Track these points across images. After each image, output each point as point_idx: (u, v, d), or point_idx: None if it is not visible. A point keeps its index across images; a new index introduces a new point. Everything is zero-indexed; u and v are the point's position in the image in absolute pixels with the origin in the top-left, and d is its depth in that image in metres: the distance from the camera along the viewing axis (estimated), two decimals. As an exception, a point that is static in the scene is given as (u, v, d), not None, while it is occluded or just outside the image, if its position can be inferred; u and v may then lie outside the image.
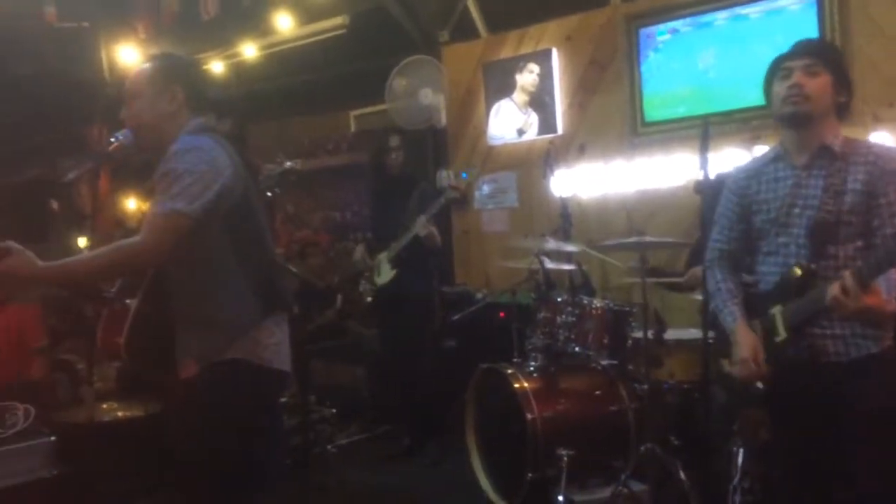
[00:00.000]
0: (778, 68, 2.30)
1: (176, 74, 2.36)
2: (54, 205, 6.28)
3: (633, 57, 4.72)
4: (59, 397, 4.79)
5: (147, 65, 2.39)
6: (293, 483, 4.08)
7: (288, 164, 3.45)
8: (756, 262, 2.44)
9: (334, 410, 4.84)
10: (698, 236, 3.23)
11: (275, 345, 2.32)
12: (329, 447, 4.65)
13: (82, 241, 7.32)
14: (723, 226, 2.51)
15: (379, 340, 5.02)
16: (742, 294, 2.45)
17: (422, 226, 4.30)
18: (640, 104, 4.73)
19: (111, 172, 7.19)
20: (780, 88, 2.27)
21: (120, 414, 4.11)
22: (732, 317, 2.40)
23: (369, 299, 4.69)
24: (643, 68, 4.71)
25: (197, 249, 2.19)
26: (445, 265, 5.40)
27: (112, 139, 2.31)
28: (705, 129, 2.60)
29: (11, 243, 2.05)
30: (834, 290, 2.06)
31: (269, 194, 3.32)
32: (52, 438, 3.58)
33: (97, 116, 7.06)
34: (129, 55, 6.36)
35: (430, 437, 4.53)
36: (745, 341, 2.32)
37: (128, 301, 2.41)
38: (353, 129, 7.13)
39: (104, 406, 4.18)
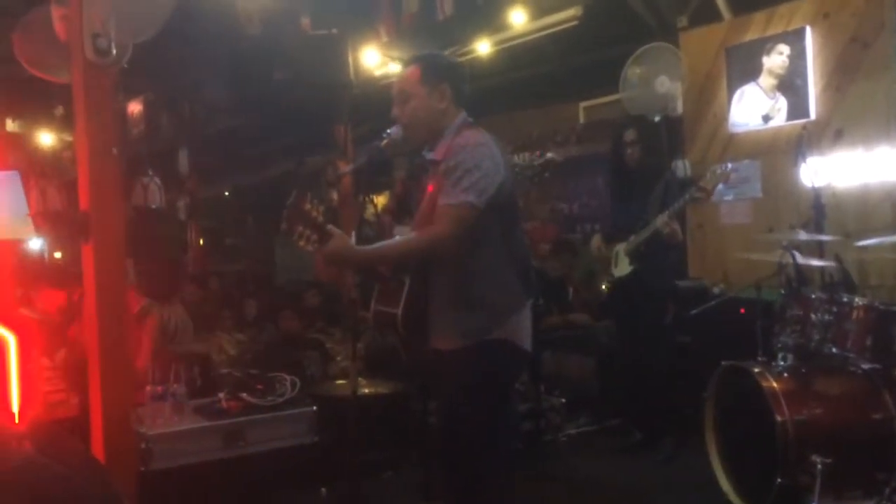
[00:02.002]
0: None
1: (443, 73, 2.53)
2: (334, 195, 6.89)
3: (903, 31, 4.28)
4: (312, 374, 5.27)
5: (414, 66, 2.55)
6: (524, 468, 4.18)
7: (549, 154, 3.52)
8: None
9: (563, 400, 4.88)
10: None
11: (527, 327, 2.53)
12: (559, 436, 4.71)
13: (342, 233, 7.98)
14: None
15: (612, 333, 4.98)
16: None
17: (663, 223, 4.19)
18: (913, 83, 4.28)
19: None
20: None
21: (367, 390, 4.43)
22: None
23: (603, 287, 4.66)
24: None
25: (475, 237, 2.39)
26: (681, 259, 5.23)
27: (383, 136, 2.51)
28: None
29: (333, 228, 2.32)
30: None
31: (532, 181, 3.40)
32: (314, 408, 3.95)
33: (343, 116, 7.62)
34: (371, 58, 6.81)
35: (664, 434, 4.42)
36: None
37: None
38: (581, 120, 7.12)
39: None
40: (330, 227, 2.30)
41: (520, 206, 2.64)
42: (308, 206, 2.25)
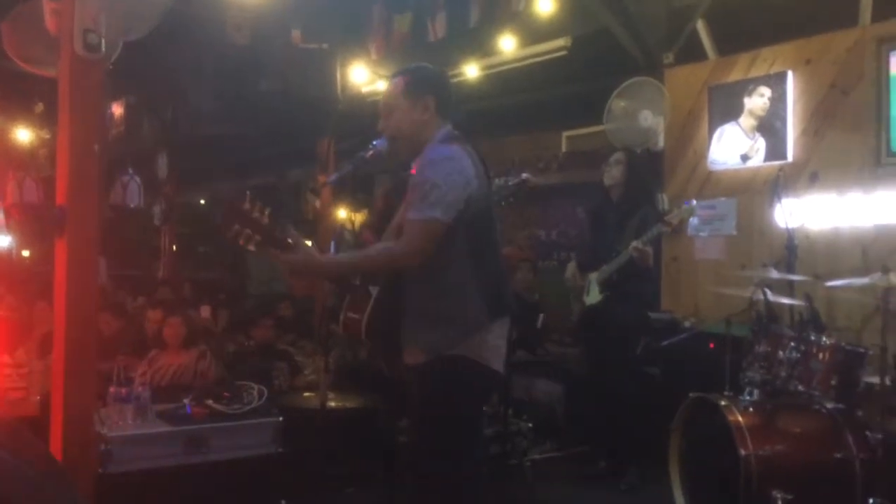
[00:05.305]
0: None
1: (427, 85, 2.54)
2: (317, 203, 6.86)
3: (881, 82, 4.38)
4: (280, 385, 5.22)
5: (399, 78, 2.56)
6: (489, 492, 4.16)
7: (524, 175, 3.52)
8: None
9: (531, 425, 4.88)
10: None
11: (496, 347, 2.49)
12: (524, 460, 4.70)
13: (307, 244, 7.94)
14: None
15: (581, 360, 5.00)
16: None
17: (633, 247, 4.24)
18: (888, 133, 4.37)
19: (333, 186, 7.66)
20: None
21: (335, 404, 4.39)
22: None
23: (576, 318, 4.70)
24: (892, 94, 4.35)
25: (440, 251, 2.36)
26: (653, 291, 5.28)
27: (369, 147, 2.52)
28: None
29: (298, 239, 2.33)
30: None
31: (502, 204, 3.40)
32: (280, 419, 3.90)
33: (327, 131, 7.63)
34: (359, 75, 6.84)
35: (628, 463, 4.43)
36: None
37: (370, 288, 2.64)
38: (564, 149, 7.19)
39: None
40: (293, 237, 2.31)
41: (497, 225, 2.59)
42: (247, 206, 2.24)
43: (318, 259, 2.37)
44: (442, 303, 2.42)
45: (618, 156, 4.61)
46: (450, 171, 2.36)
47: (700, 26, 5.34)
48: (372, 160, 2.52)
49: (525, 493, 4.29)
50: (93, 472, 3.24)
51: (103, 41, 3.05)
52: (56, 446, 3.10)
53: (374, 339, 2.59)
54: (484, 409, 4.35)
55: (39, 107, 7.92)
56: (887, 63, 4.38)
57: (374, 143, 2.53)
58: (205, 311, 6.51)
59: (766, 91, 4.94)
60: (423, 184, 2.35)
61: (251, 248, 2.26)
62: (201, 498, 3.60)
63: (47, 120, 7.84)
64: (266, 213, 2.27)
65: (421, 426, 2.48)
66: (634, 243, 4.23)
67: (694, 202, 4.41)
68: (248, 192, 2.28)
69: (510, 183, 3.47)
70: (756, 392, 3.56)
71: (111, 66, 3.39)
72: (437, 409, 2.44)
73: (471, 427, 2.54)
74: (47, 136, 8.33)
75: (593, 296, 4.52)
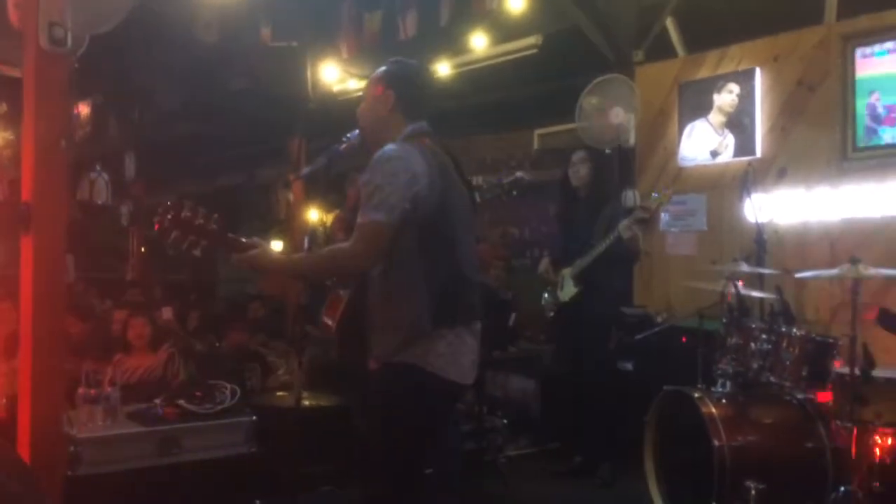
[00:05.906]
0: None
1: (392, 79, 2.46)
2: (290, 197, 6.79)
3: (847, 78, 4.46)
4: (252, 385, 5.17)
5: (379, 69, 2.52)
6: (464, 488, 4.16)
7: (518, 173, 3.51)
8: None
9: (506, 421, 4.89)
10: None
11: (450, 355, 2.34)
12: (500, 457, 4.70)
13: (277, 244, 7.86)
14: None
15: (555, 356, 5.02)
16: None
17: (625, 228, 4.25)
18: (853, 129, 4.45)
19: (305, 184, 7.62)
20: None
21: (309, 403, 4.35)
22: None
23: (550, 314, 4.71)
24: (858, 90, 4.43)
25: (391, 255, 2.30)
26: (626, 284, 5.31)
27: (343, 139, 2.49)
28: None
29: (257, 239, 2.35)
30: None
31: (496, 200, 3.36)
32: (254, 418, 3.86)
33: (298, 130, 7.58)
34: (330, 73, 6.80)
35: (604, 458, 4.45)
36: None
37: (342, 290, 2.60)
38: (536, 146, 7.21)
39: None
40: (254, 239, 2.33)
41: (460, 224, 2.42)
42: (186, 214, 2.25)
43: (267, 257, 2.37)
44: (387, 306, 2.34)
45: (581, 154, 4.64)
46: (393, 170, 2.26)
47: (669, 24, 5.40)
48: (346, 153, 2.50)
49: (500, 490, 4.29)
50: (62, 475, 3.18)
51: (69, 35, 3.00)
52: (24, 449, 3.04)
53: (346, 343, 2.56)
54: (459, 405, 4.38)
55: (2, 107, 7.75)
56: (853, 60, 4.46)
57: (348, 135, 2.50)
58: (166, 313, 6.38)
59: (734, 88, 5.01)
60: (366, 185, 2.27)
61: (196, 253, 2.27)
62: (174, 499, 3.55)
63: (11, 121, 7.68)
64: (213, 217, 2.28)
65: (370, 433, 2.41)
66: (625, 222, 4.24)
67: (670, 189, 4.44)
68: (184, 203, 2.27)
69: (505, 181, 3.47)
70: (728, 384, 3.60)
71: (77, 65, 3.32)
72: (382, 417, 2.37)
73: (420, 438, 2.41)
74: (12, 138, 8.15)
75: (567, 290, 4.54)
